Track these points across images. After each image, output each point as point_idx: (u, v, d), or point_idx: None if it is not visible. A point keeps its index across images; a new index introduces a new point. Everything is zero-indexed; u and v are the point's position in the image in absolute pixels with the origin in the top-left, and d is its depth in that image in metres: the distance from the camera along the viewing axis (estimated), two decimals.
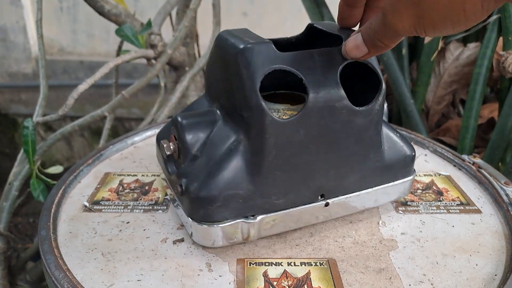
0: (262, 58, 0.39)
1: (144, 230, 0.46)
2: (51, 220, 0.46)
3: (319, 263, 0.42)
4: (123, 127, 2.13)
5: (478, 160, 0.57)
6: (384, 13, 0.36)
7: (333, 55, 0.42)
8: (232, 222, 0.41)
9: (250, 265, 0.42)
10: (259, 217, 0.42)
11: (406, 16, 0.34)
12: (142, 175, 0.56)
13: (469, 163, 0.58)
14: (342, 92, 0.41)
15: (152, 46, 0.85)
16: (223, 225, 0.41)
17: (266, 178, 0.41)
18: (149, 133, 0.66)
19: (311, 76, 0.40)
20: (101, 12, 0.92)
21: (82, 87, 0.71)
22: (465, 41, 0.91)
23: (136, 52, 0.81)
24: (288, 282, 0.40)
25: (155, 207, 0.50)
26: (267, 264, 0.42)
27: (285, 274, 0.41)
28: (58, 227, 0.47)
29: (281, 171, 0.41)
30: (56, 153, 2.17)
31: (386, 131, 0.46)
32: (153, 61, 0.87)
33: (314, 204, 0.44)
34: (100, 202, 0.51)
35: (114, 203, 0.51)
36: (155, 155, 0.61)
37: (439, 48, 0.88)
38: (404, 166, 0.47)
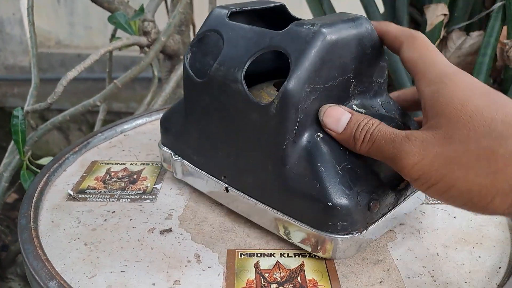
0: (213, 21, 0.43)
1: (131, 220, 0.44)
2: (32, 209, 0.44)
3: (313, 254, 0.40)
4: None
5: None
6: (406, 151, 0.33)
7: (264, 38, 0.39)
8: (167, 150, 0.48)
9: (241, 256, 0.40)
10: (180, 159, 0.47)
11: (425, 174, 0.33)
12: (131, 164, 0.54)
13: None
14: (240, 75, 0.38)
15: (145, 33, 0.82)
16: (164, 149, 0.49)
17: (188, 127, 0.45)
18: (139, 121, 0.64)
19: (230, 49, 0.40)
20: None
21: (71, 74, 0.69)
22: (468, 29, 0.89)
23: (128, 39, 0.79)
24: (280, 273, 0.38)
25: (143, 196, 0.48)
26: (259, 255, 0.40)
27: (278, 265, 0.39)
28: (40, 216, 0.45)
29: (195, 128, 0.44)
30: (54, 146, 2.15)
31: (307, 155, 0.37)
32: (146, 49, 0.85)
33: (217, 181, 0.44)
34: (86, 191, 0.48)
35: (100, 192, 0.48)
36: (145, 143, 0.59)
37: (441, 36, 0.85)
38: (315, 213, 0.37)
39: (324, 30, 0.36)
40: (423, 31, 0.87)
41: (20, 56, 2.30)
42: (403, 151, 0.33)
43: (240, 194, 0.42)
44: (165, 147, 0.49)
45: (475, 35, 0.85)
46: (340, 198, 0.35)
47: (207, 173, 0.45)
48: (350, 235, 0.36)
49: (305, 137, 0.37)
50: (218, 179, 0.44)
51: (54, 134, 2.17)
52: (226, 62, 0.40)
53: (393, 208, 0.40)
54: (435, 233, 0.43)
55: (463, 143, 0.31)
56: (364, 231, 0.37)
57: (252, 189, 0.41)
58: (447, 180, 0.32)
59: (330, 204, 0.35)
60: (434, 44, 0.83)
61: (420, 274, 0.38)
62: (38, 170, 0.84)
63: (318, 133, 0.37)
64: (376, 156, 0.36)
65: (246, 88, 0.38)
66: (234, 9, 0.44)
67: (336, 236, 0.36)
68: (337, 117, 0.37)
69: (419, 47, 0.37)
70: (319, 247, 0.38)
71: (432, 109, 0.34)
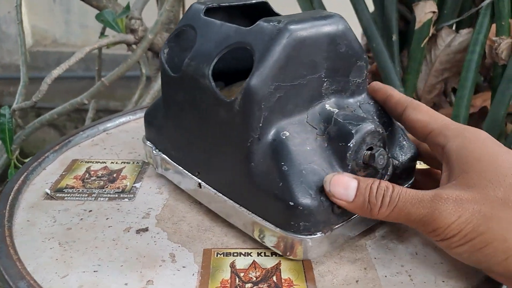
0: (189, 17, 0.43)
1: (107, 219, 0.44)
2: (7, 208, 0.43)
3: None
4: None
5: None
6: (441, 211, 0.33)
7: (233, 34, 0.38)
8: (149, 145, 0.48)
9: (217, 255, 0.39)
10: (160, 154, 0.47)
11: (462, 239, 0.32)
12: (112, 162, 0.53)
13: None
14: (208, 70, 0.38)
15: (132, 31, 0.82)
16: (147, 143, 0.49)
17: (166, 122, 0.45)
18: (122, 119, 0.63)
19: (201, 44, 0.40)
20: None
21: (56, 72, 0.68)
22: (457, 27, 0.88)
23: (114, 36, 0.78)
24: (256, 273, 0.37)
25: (121, 195, 0.47)
26: (235, 254, 0.39)
27: (254, 264, 0.38)
28: (15, 215, 0.44)
29: (172, 123, 0.44)
30: (49, 143, 2.15)
31: (272, 153, 0.36)
32: (134, 46, 0.84)
33: (192, 176, 0.43)
34: (64, 190, 0.48)
35: (78, 190, 0.48)
36: (127, 142, 0.58)
37: (430, 34, 0.85)
38: (278, 212, 0.36)
39: (290, 27, 0.35)
40: (413, 28, 0.87)
41: (16, 54, 2.29)
42: (437, 210, 0.32)
43: (212, 191, 0.41)
44: (148, 142, 0.49)
45: (465, 33, 0.85)
46: (302, 197, 0.35)
47: (183, 169, 0.44)
48: (313, 236, 0.36)
49: (270, 135, 0.37)
50: (193, 175, 0.43)
51: (50, 132, 2.16)
52: (196, 57, 0.40)
53: None
54: (414, 232, 0.42)
55: (501, 202, 0.32)
56: (329, 232, 0.36)
57: (222, 186, 0.41)
58: (484, 237, 0.32)
59: (292, 204, 0.35)
60: (423, 42, 0.82)
61: (398, 273, 0.38)
62: None
63: (285, 132, 0.37)
64: (398, 220, 0.35)
65: (213, 83, 0.38)
66: (210, 5, 0.43)
67: (298, 236, 0.36)
68: (345, 184, 0.35)
69: (427, 111, 0.39)
70: (287, 249, 0.37)
71: (460, 164, 0.34)
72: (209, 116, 0.39)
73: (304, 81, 0.37)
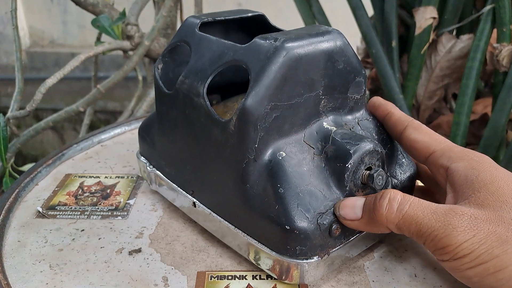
0: (184, 32, 0.42)
1: (100, 239, 0.43)
2: None
3: None
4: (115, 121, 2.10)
5: None
6: (454, 226, 0.31)
7: (228, 51, 0.37)
8: (143, 160, 0.48)
9: (211, 278, 0.38)
10: (154, 170, 0.46)
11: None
12: (105, 177, 0.52)
13: None
14: (202, 89, 0.37)
15: (129, 37, 0.80)
16: (141, 158, 0.48)
17: (160, 138, 0.44)
18: (118, 130, 0.62)
19: (196, 61, 0.39)
20: (77, 1, 0.88)
21: (50, 81, 0.67)
22: (458, 33, 0.87)
23: (110, 43, 0.77)
24: None
25: (115, 213, 0.46)
26: (230, 277, 0.38)
27: None
28: (6, 235, 0.43)
29: (166, 139, 0.43)
30: (48, 146, 2.14)
31: (268, 175, 0.35)
32: (130, 53, 0.83)
33: (186, 194, 0.43)
34: (56, 207, 0.47)
35: (71, 208, 0.47)
36: (122, 154, 0.57)
37: (430, 40, 0.84)
38: (274, 235, 0.35)
39: (286, 45, 0.34)
40: (412, 34, 0.86)
41: (14, 55, 2.29)
42: (450, 225, 0.31)
43: (207, 210, 0.40)
44: (142, 157, 0.48)
45: (465, 39, 0.84)
46: (298, 221, 0.34)
47: (178, 186, 0.44)
48: (310, 260, 0.35)
49: (266, 156, 0.36)
50: (187, 193, 0.42)
51: (49, 134, 2.16)
52: (190, 75, 0.39)
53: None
54: (414, 252, 0.41)
55: None
56: (325, 256, 0.35)
57: (217, 206, 0.40)
58: (499, 261, 0.30)
59: (288, 227, 0.34)
60: (423, 48, 0.81)
61: None
62: None
63: (281, 152, 0.36)
64: (408, 231, 0.33)
65: (207, 103, 0.37)
66: (205, 19, 0.42)
67: (294, 260, 0.35)
68: (352, 204, 0.35)
69: (427, 131, 0.38)
70: (283, 273, 0.36)
71: (471, 184, 0.33)
72: (203, 135, 0.38)
73: (301, 99, 0.36)
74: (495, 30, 0.79)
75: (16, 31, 0.93)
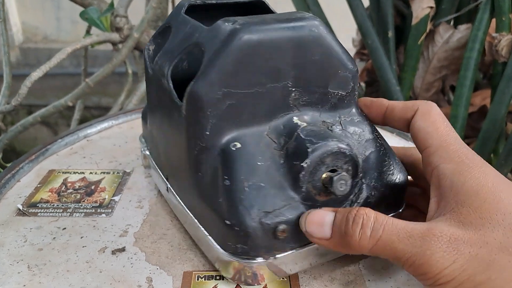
0: (172, 14, 0.41)
1: (82, 237, 0.41)
2: None
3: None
4: None
5: None
6: (433, 251, 0.28)
7: (195, 33, 0.36)
8: (143, 143, 0.47)
9: (198, 279, 0.36)
10: (145, 151, 0.46)
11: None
12: (90, 173, 0.50)
13: None
14: (167, 70, 0.36)
15: (118, 30, 0.78)
16: (142, 140, 0.47)
17: (149, 120, 0.44)
18: (105, 124, 0.60)
19: (170, 43, 0.38)
20: None
21: (36, 74, 0.65)
22: (455, 22, 0.85)
23: (98, 35, 0.75)
24: None
25: (99, 210, 0.44)
26: (218, 277, 0.36)
27: None
28: None
29: (150, 121, 0.43)
30: (41, 142, 2.12)
31: (217, 165, 0.33)
32: (119, 45, 0.81)
33: (164, 179, 0.42)
34: (37, 205, 0.45)
35: (53, 205, 0.45)
36: (108, 149, 0.55)
37: (427, 30, 0.82)
38: (217, 229, 0.34)
39: (241, 29, 0.32)
40: (409, 25, 0.84)
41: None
42: (428, 251, 0.28)
43: (174, 198, 0.39)
44: (143, 139, 0.47)
45: (463, 29, 0.82)
46: (237, 217, 0.31)
47: (159, 170, 0.43)
48: (252, 261, 0.33)
49: (219, 145, 0.33)
50: (164, 178, 0.41)
51: (43, 131, 2.13)
52: (162, 56, 0.38)
53: None
54: None
55: (500, 246, 0.28)
56: (271, 259, 0.33)
57: (181, 194, 0.38)
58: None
59: (228, 223, 0.32)
60: (420, 38, 0.79)
61: None
62: None
63: (236, 143, 0.33)
64: (385, 256, 0.30)
65: (170, 84, 0.35)
66: (194, 2, 0.40)
67: (235, 259, 0.33)
68: (320, 220, 0.31)
69: (434, 119, 0.34)
70: (227, 271, 0.34)
71: (455, 194, 0.30)
72: (168, 118, 0.37)
73: (263, 89, 0.33)
74: (494, 20, 0.77)
75: (3, 24, 0.91)
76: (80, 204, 0.45)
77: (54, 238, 0.40)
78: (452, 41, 0.82)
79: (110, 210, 0.44)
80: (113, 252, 0.39)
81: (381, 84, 0.84)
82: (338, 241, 0.31)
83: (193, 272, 0.37)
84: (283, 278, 0.36)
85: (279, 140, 0.34)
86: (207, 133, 0.33)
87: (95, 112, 2.09)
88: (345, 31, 1.05)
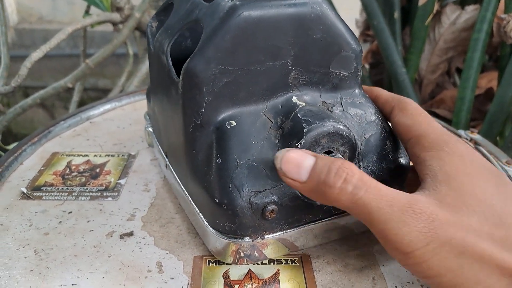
0: None
1: (88, 221, 0.40)
2: None
3: (290, 260, 0.36)
4: None
5: (476, 136, 0.51)
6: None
7: (196, 10, 0.35)
8: (147, 120, 0.47)
9: (209, 264, 0.36)
10: (149, 127, 0.46)
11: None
12: (95, 155, 0.49)
13: (466, 139, 0.51)
14: (166, 46, 0.35)
15: (118, 9, 0.76)
16: (147, 117, 0.47)
17: (152, 97, 0.43)
18: (107, 106, 0.59)
19: (171, 19, 0.37)
20: None
21: (36, 55, 0.64)
22: (463, 3, 0.84)
23: (98, 15, 0.73)
24: (252, 284, 0.34)
25: (105, 194, 0.43)
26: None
27: (250, 274, 0.35)
28: None
29: (152, 98, 0.43)
30: (39, 125, 2.10)
31: (212, 143, 0.33)
32: (120, 26, 0.79)
33: (164, 156, 0.42)
34: (42, 188, 0.44)
35: (58, 188, 0.44)
36: (112, 131, 0.54)
37: (434, 11, 0.80)
38: (207, 207, 0.33)
39: (240, 6, 0.31)
40: (416, 5, 0.82)
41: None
42: (405, 227, 0.27)
43: (172, 176, 0.39)
44: (147, 116, 0.47)
45: (471, 9, 0.80)
46: (227, 195, 0.31)
47: (159, 146, 0.43)
48: (239, 240, 0.33)
49: (214, 123, 0.33)
50: (164, 154, 0.41)
51: (40, 113, 2.12)
52: (163, 33, 0.37)
53: (316, 221, 0.34)
54: None
55: (475, 233, 0.27)
56: (258, 239, 0.33)
57: (178, 172, 0.38)
58: (454, 276, 0.27)
59: (216, 200, 0.31)
60: (426, 19, 0.78)
61: (408, 282, 0.34)
62: None
63: (231, 121, 0.33)
64: (359, 217, 0.29)
65: (169, 61, 0.35)
66: None
67: (223, 237, 0.33)
68: (298, 161, 0.29)
69: (412, 112, 0.34)
70: (217, 251, 0.34)
71: (434, 174, 0.30)
72: (167, 95, 0.36)
73: (262, 67, 0.33)
74: (502, 0, 0.75)
75: (0, 3, 0.89)
76: (85, 188, 0.44)
77: (60, 222, 0.40)
78: (459, 22, 0.80)
79: (116, 194, 0.43)
80: (121, 237, 0.38)
81: (387, 66, 0.83)
82: (312, 187, 0.29)
83: (204, 257, 0.36)
84: (295, 263, 0.35)
85: (276, 120, 0.33)
86: (203, 110, 0.33)
87: (93, 94, 2.07)
88: (347, 11, 1.04)
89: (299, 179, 0.30)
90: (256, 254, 0.34)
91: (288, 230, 0.34)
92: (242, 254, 0.33)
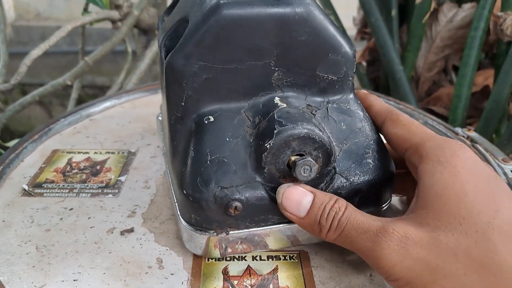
0: None
1: (89, 218, 0.40)
2: None
3: (289, 256, 0.36)
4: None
5: (472, 134, 0.51)
6: (382, 248, 0.28)
7: (188, 6, 0.36)
8: (159, 113, 0.47)
9: (208, 260, 0.36)
10: (159, 118, 0.47)
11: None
12: (95, 153, 0.50)
13: (463, 137, 0.51)
14: (161, 41, 0.37)
15: (117, 7, 0.77)
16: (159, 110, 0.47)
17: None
18: (107, 104, 0.59)
19: (172, 16, 0.39)
20: None
21: (36, 52, 0.64)
22: (459, 1, 0.84)
23: (97, 13, 0.73)
24: (251, 281, 0.34)
25: (105, 191, 0.44)
26: (228, 258, 0.36)
27: (249, 270, 0.35)
28: None
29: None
30: (36, 122, 2.10)
31: (189, 136, 0.34)
32: (119, 23, 0.79)
33: (163, 142, 0.43)
34: (43, 185, 0.44)
35: (59, 185, 0.44)
36: (112, 129, 0.54)
37: (431, 9, 0.81)
38: (178, 198, 0.35)
39: (223, 4, 0.32)
40: (412, 3, 0.82)
41: None
42: (379, 247, 0.28)
43: (165, 162, 0.41)
44: (160, 107, 0.48)
45: (468, 7, 0.81)
46: (194, 188, 0.32)
47: (163, 136, 0.44)
48: (204, 233, 0.34)
49: (193, 117, 0.34)
50: (163, 143, 0.43)
51: (36, 110, 2.11)
52: (162, 28, 0.39)
53: (285, 223, 0.34)
54: None
55: (450, 251, 0.27)
56: (223, 234, 0.34)
57: (166, 159, 0.40)
58: None
59: (185, 192, 0.33)
60: (424, 17, 0.78)
61: None
62: None
63: (210, 117, 0.34)
64: (346, 247, 0.31)
65: (162, 54, 0.36)
66: None
67: (190, 228, 0.34)
68: (298, 199, 0.32)
69: (404, 123, 0.34)
70: (186, 240, 0.36)
71: (423, 195, 0.30)
72: (162, 87, 0.37)
73: (242, 66, 0.33)
74: None
75: None
76: (86, 185, 0.44)
77: (61, 218, 0.40)
78: (456, 20, 0.81)
79: (117, 191, 0.44)
80: (122, 233, 0.39)
81: (384, 64, 0.84)
82: (309, 224, 0.32)
83: None
84: (293, 259, 0.36)
85: (254, 119, 0.34)
86: (183, 104, 0.33)
87: (90, 91, 2.07)
88: (344, 8, 1.04)
89: (298, 215, 0.32)
90: (229, 250, 0.35)
91: (254, 229, 0.34)
92: (211, 247, 0.34)
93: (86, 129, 0.55)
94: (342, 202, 0.31)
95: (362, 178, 0.34)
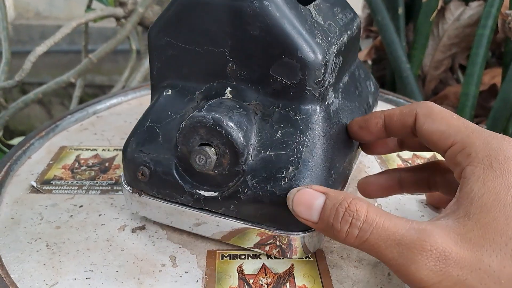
0: None
1: (100, 215, 0.39)
2: None
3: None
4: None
5: None
6: (418, 266, 0.26)
7: None
8: None
9: (222, 258, 0.35)
10: None
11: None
12: (103, 150, 0.49)
13: None
14: None
15: (121, 4, 0.76)
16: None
17: None
18: (114, 101, 0.58)
19: None
20: None
21: (40, 49, 0.63)
22: None
23: (102, 10, 0.72)
24: (267, 279, 0.34)
25: (115, 188, 0.43)
26: (242, 257, 0.36)
27: (264, 269, 0.34)
28: None
29: None
30: (35, 121, 2.09)
31: (151, 104, 0.38)
32: (123, 21, 0.78)
33: None
34: (51, 182, 0.43)
35: (67, 182, 0.43)
36: (119, 126, 0.54)
37: (438, 7, 0.80)
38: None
39: None
40: (419, 1, 0.82)
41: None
42: (413, 265, 0.26)
43: None
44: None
45: (475, 5, 0.80)
46: (125, 146, 0.36)
47: None
48: (126, 186, 0.37)
49: (160, 87, 0.37)
50: None
51: (36, 109, 2.10)
52: None
53: (187, 206, 0.35)
54: None
55: (493, 275, 0.25)
56: (136, 194, 0.36)
57: None
58: None
59: (123, 149, 0.36)
60: (431, 15, 0.78)
61: None
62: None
63: (169, 90, 0.36)
64: (372, 255, 0.28)
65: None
66: None
67: (123, 184, 0.37)
68: (308, 202, 0.29)
69: (442, 116, 0.31)
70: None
71: (468, 204, 0.27)
72: None
73: (200, 49, 0.34)
74: None
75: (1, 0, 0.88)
76: (95, 182, 0.44)
77: (71, 216, 0.39)
78: (463, 18, 0.80)
79: None
80: (133, 230, 0.38)
81: (391, 62, 0.83)
82: (324, 228, 0.29)
83: (217, 251, 0.36)
84: (309, 258, 0.35)
85: (200, 102, 0.35)
86: (154, 73, 0.37)
87: (89, 90, 2.06)
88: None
89: (311, 220, 0.30)
90: (147, 210, 0.37)
91: (161, 201, 0.36)
92: (132, 203, 0.37)
93: (93, 126, 0.54)
94: (361, 204, 0.28)
95: (268, 191, 0.32)
